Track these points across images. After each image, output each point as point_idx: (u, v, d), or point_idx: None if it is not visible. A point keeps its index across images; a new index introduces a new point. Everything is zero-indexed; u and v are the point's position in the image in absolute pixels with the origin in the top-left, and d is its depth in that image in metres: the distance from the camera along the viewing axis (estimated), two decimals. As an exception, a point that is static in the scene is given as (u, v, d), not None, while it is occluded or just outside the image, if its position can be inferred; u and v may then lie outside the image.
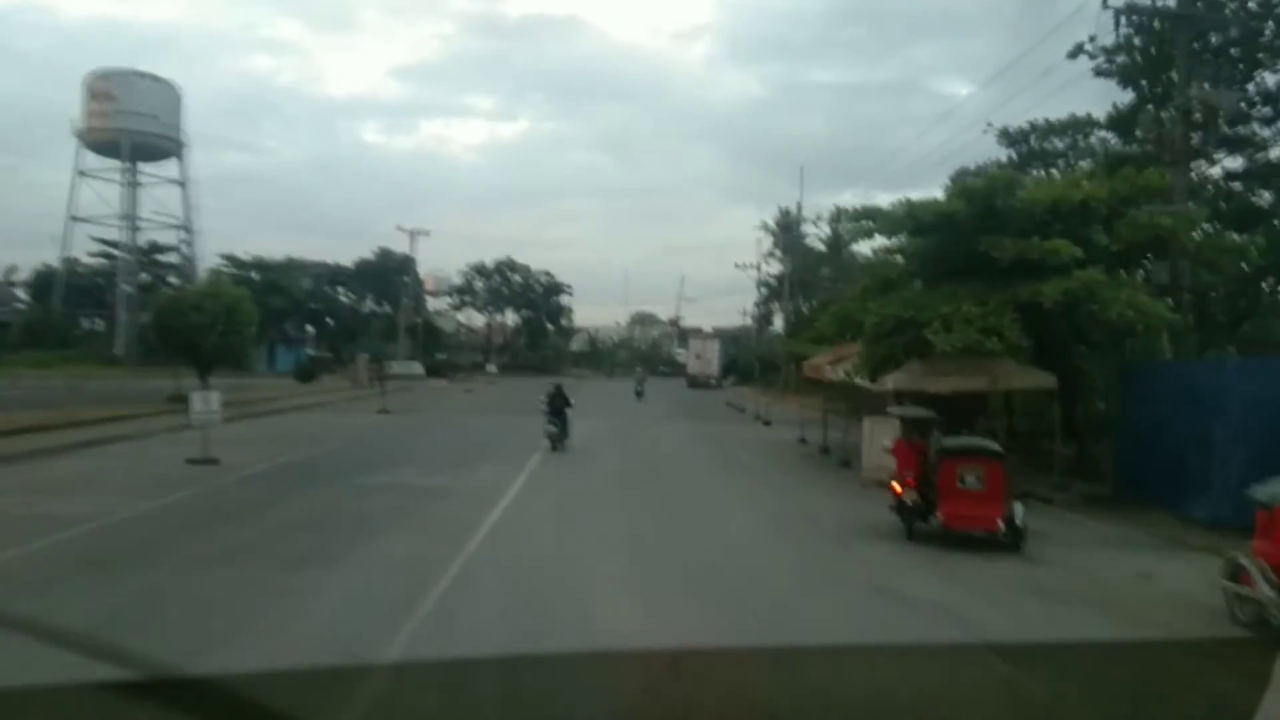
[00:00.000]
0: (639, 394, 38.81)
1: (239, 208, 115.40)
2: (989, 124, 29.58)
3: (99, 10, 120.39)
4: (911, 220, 14.36)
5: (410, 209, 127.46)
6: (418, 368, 52.54)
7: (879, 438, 13.76)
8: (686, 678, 3.91)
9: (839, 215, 16.95)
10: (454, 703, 3.04)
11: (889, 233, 15.17)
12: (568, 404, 18.02)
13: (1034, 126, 29.98)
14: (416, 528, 9.58)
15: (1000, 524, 8.97)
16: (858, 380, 14.93)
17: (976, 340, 12.35)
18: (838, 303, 19.54)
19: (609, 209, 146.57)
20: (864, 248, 28.62)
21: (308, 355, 61.77)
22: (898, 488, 9.84)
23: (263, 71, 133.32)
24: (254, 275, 58.93)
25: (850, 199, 58.89)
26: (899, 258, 16.47)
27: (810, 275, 50.34)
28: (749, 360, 61.49)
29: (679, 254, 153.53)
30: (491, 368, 60.08)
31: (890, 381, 13.81)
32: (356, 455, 16.10)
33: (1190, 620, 6.83)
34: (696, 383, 54.72)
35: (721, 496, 12.92)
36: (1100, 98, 39.84)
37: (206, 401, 14.51)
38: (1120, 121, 21.39)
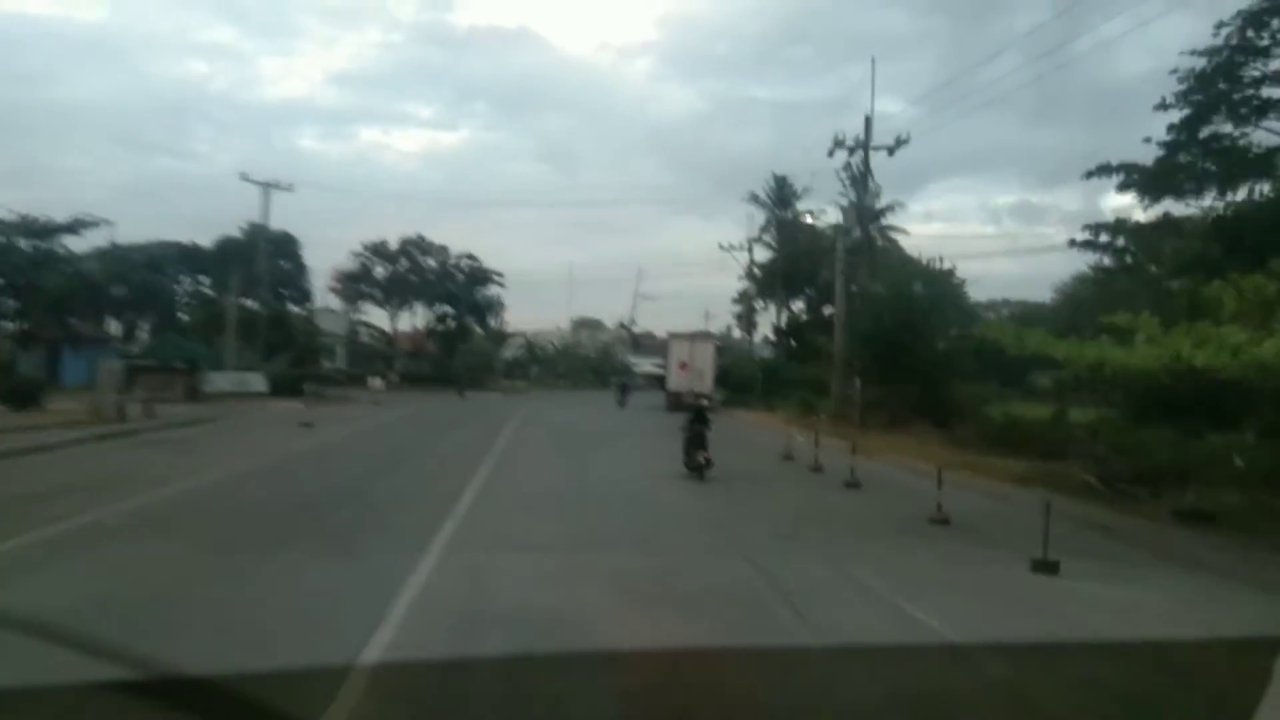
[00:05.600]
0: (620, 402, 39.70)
1: (166, 213, 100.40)
2: None
3: (19, 7, 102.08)
4: None
5: (347, 216, 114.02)
6: (257, 381, 34.16)
7: None
8: (687, 678, 3.90)
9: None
10: (455, 702, 3.23)
11: None
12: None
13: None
14: None
15: None
16: None
17: None
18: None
19: (551, 219, 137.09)
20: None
21: (121, 360, 42.76)
22: None
23: (196, 76, 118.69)
24: (21, 243, 39.57)
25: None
26: None
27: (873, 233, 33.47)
28: (750, 371, 44.45)
29: (623, 266, 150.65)
30: (376, 381, 41.89)
31: None
32: None
33: None
34: (683, 402, 37.16)
35: None
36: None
37: None
38: None
